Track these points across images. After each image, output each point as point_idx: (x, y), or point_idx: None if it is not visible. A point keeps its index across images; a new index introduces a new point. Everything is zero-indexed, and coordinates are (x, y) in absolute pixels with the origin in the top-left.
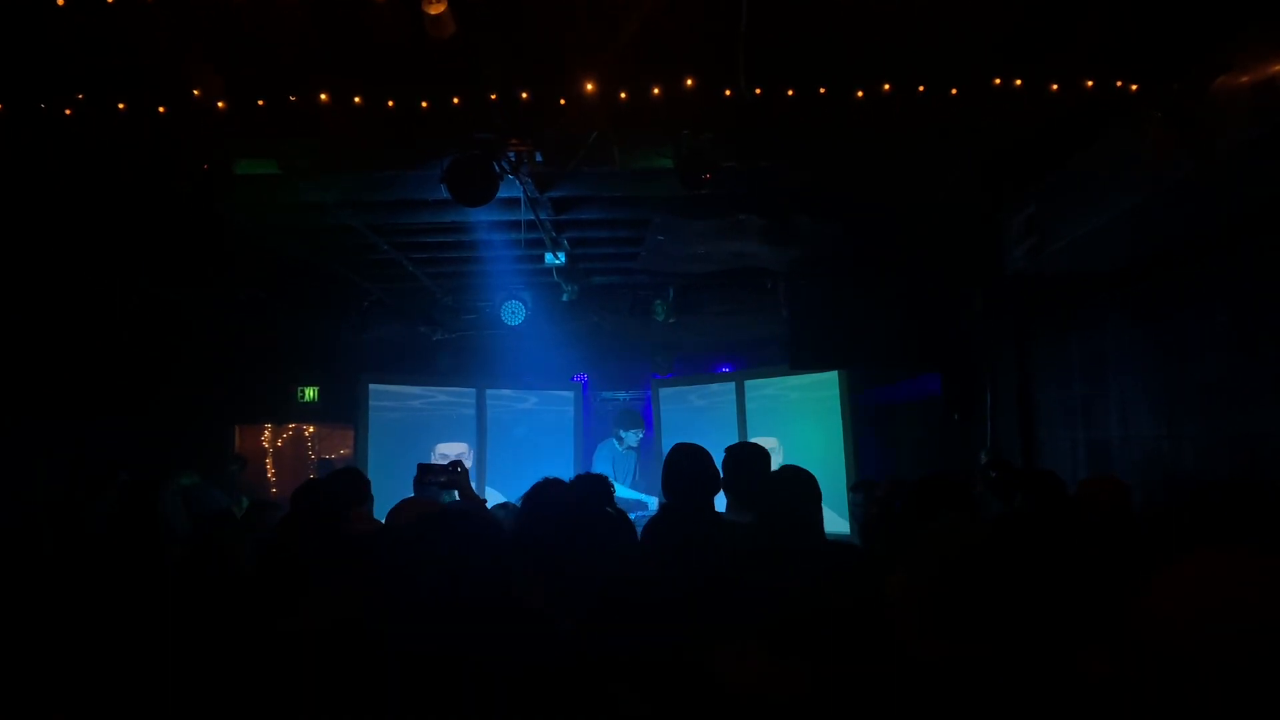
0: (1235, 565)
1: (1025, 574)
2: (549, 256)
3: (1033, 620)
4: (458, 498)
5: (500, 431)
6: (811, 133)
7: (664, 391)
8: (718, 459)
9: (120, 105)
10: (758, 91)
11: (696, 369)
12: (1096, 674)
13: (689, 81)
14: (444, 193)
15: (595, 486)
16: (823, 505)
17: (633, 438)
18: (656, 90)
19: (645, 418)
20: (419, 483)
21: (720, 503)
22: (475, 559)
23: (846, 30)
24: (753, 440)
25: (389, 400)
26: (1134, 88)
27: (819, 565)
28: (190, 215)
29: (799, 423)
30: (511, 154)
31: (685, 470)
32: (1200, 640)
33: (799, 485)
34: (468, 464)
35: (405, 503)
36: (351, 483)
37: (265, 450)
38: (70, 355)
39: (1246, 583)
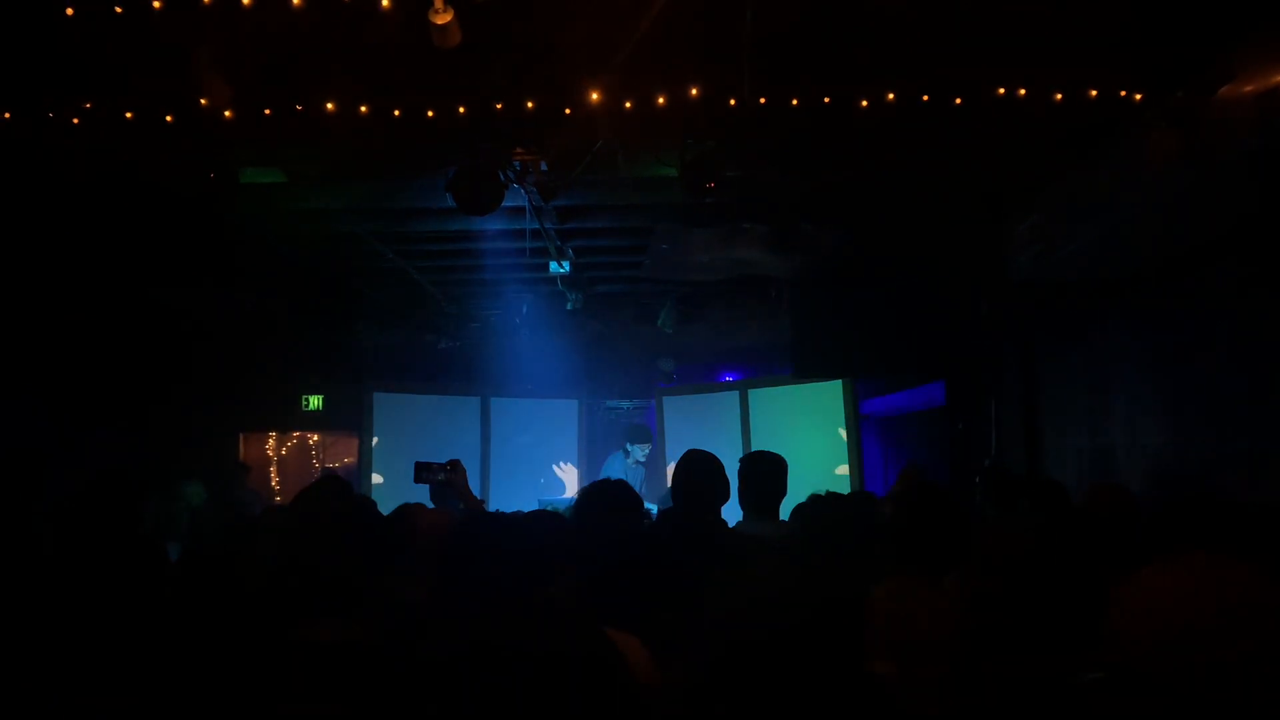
0: (1179, 576)
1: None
2: (553, 265)
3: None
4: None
5: (504, 440)
6: (815, 141)
7: (668, 400)
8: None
9: (128, 113)
10: (762, 100)
11: (701, 378)
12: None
13: (693, 90)
14: (449, 201)
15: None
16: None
17: (640, 452)
18: (661, 99)
19: (651, 428)
20: (416, 480)
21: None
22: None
23: (850, 40)
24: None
25: (393, 408)
26: (1138, 97)
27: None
28: (197, 223)
29: (803, 431)
30: (517, 163)
31: (696, 478)
32: (1146, 650)
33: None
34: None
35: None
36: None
37: (269, 458)
38: (75, 362)
39: (1188, 594)
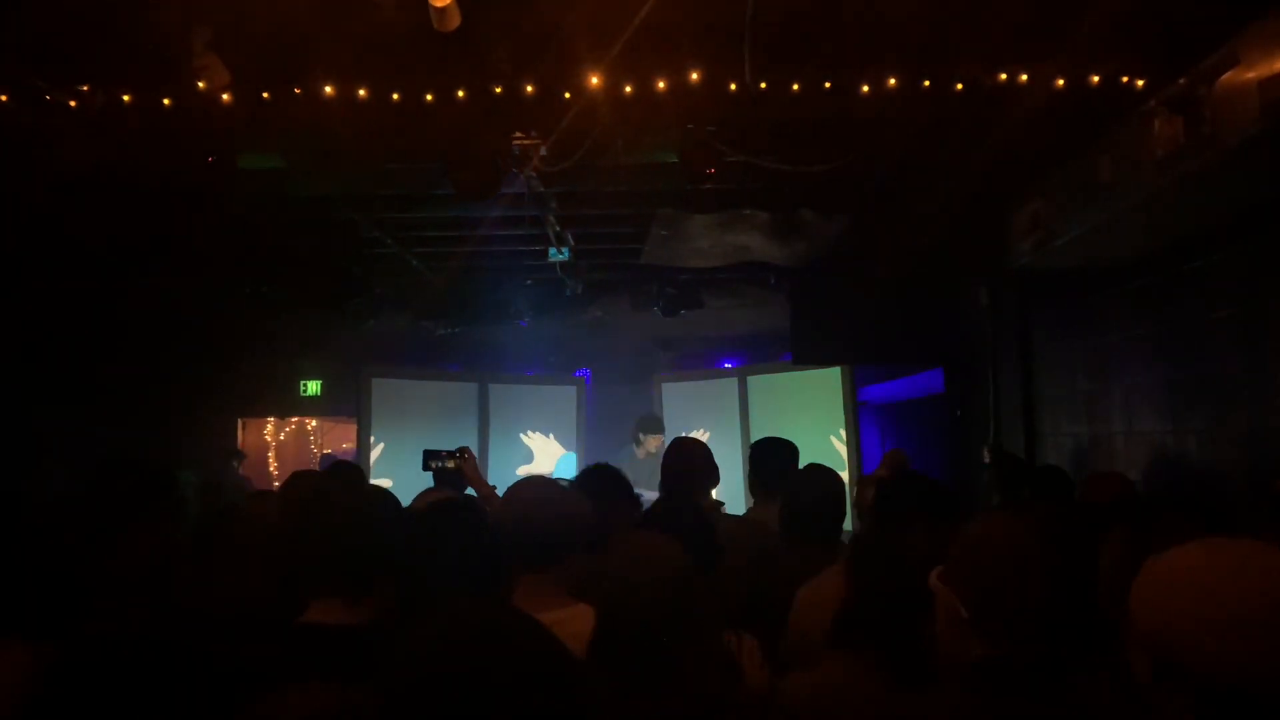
0: (1202, 562)
1: (1062, 573)
2: (552, 251)
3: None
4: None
5: (502, 426)
6: (816, 127)
7: (667, 387)
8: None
9: (125, 97)
10: (763, 85)
11: (700, 364)
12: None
13: (694, 75)
14: (448, 187)
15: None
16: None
17: (653, 443)
18: (661, 84)
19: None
20: (425, 468)
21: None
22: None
23: (852, 25)
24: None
25: (392, 393)
26: (1140, 83)
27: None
28: (194, 208)
29: (801, 418)
30: (516, 148)
31: (674, 464)
32: (1164, 641)
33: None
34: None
35: (424, 496)
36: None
37: (268, 444)
38: (73, 349)
39: (1211, 582)
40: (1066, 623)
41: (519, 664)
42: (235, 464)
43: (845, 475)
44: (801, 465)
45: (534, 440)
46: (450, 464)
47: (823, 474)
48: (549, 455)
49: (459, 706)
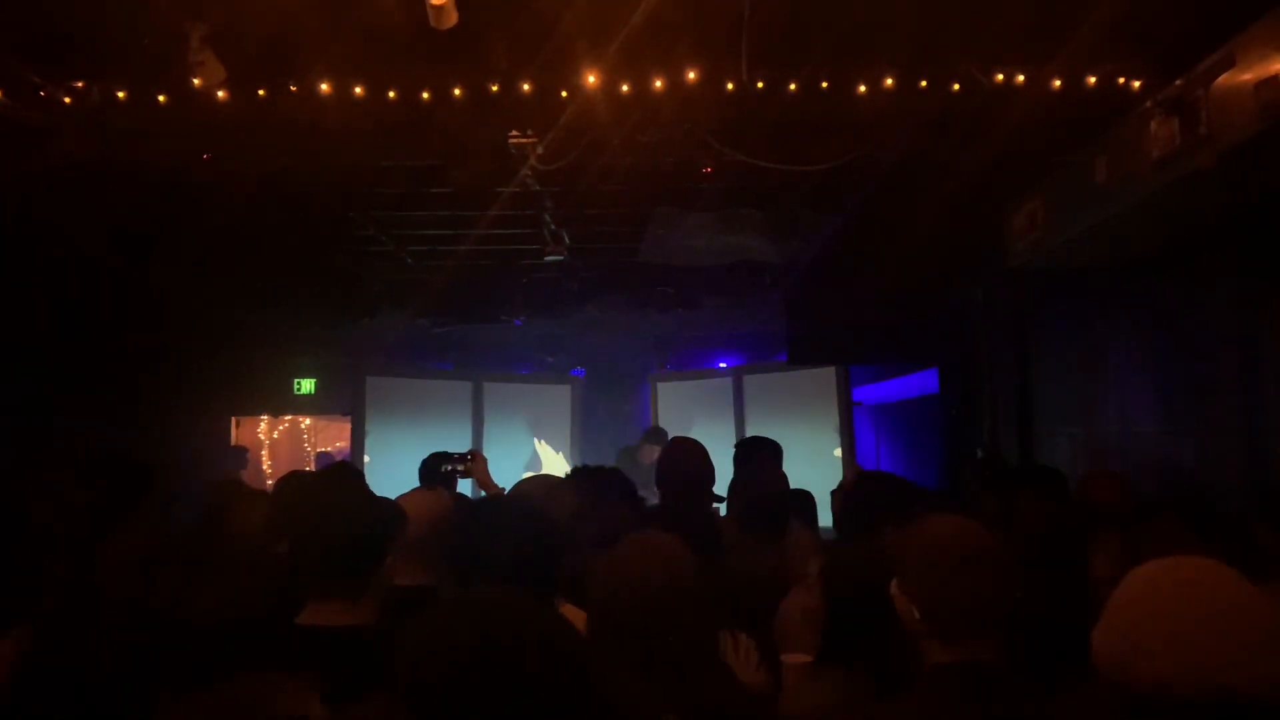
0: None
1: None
2: (549, 250)
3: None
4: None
5: (497, 424)
6: (813, 126)
7: (662, 386)
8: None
9: (121, 93)
10: (760, 84)
11: (695, 364)
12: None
13: (691, 74)
14: (445, 185)
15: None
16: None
17: (648, 454)
18: (659, 82)
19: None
20: (433, 471)
21: None
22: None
23: (849, 23)
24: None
25: (386, 392)
26: (1137, 84)
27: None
28: (189, 205)
29: (796, 418)
30: (512, 146)
31: (678, 467)
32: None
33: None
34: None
35: (413, 494)
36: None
37: (262, 442)
38: (64, 345)
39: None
40: (1039, 625)
41: (529, 649)
42: (235, 461)
43: (839, 474)
44: (800, 465)
45: (543, 449)
46: (461, 467)
47: (768, 472)
48: (542, 454)
49: (472, 692)
